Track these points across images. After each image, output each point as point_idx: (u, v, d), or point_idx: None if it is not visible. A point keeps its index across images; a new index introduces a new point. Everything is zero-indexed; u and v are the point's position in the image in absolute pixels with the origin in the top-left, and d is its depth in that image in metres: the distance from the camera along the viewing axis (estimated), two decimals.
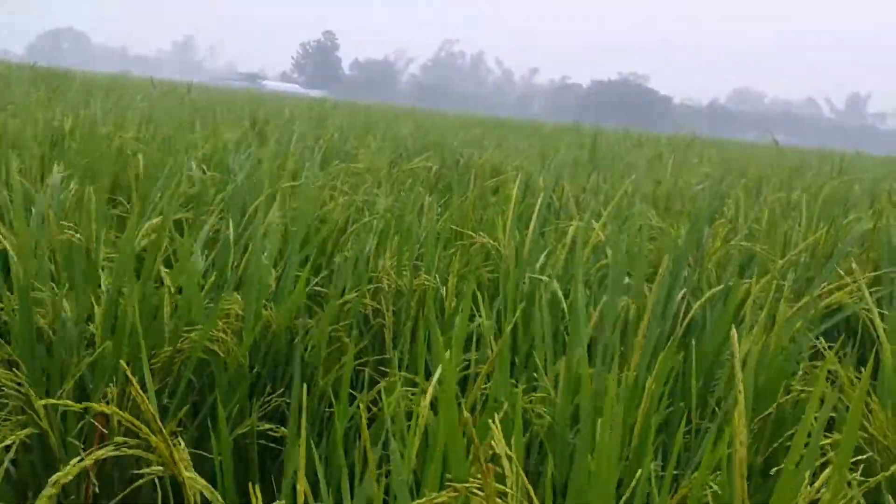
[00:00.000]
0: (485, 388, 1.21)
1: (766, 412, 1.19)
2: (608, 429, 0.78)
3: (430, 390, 0.92)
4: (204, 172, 2.43)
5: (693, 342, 1.42)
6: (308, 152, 3.13)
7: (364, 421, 0.97)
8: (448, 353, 0.91)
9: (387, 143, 4.72)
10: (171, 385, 1.41)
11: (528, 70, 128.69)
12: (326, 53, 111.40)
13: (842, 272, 1.42)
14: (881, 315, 1.22)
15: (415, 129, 5.59)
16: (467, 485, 0.79)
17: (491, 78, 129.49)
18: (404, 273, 1.74)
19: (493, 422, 0.84)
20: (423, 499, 0.82)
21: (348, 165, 2.59)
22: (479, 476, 0.78)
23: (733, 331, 0.99)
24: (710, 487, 0.99)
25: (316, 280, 1.78)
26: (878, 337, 1.19)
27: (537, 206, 2.01)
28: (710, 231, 2.02)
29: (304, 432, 0.87)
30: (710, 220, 2.48)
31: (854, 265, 1.36)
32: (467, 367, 1.46)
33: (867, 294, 1.18)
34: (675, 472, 1.18)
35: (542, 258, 1.91)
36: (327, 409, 1.54)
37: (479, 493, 0.79)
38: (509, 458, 0.82)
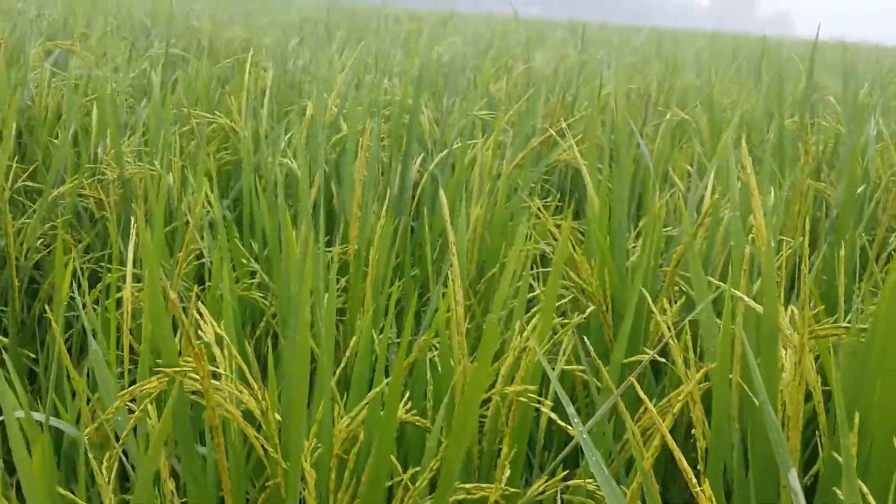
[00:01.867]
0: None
1: (490, 273, 1.24)
2: (306, 299, 0.76)
3: (129, 280, 0.86)
4: None
5: (425, 211, 1.44)
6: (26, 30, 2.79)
7: (91, 322, 0.90)
8: (152, 238, 0.85)
9: (122, 24, 4.33)
10: None
11: None
12: None
13: (550, 129, 1.48)
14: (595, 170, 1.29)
15: (153, 8, 5.16)
16: (178, 368, 0.75)
17: None
18: (127, 160, 1.62)
19: (201, 304, 0.80)
20: (133, 386, 0.77)
21: (59, 42, 2.33)
22: (191, 360, 0.75)
23: (441, 196, 1.00)
24: (436, 348, 1.02)
25: (24, 175, 1.61)
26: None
27: (269, 82, 1.93)
28: (450, 102, 2.04)
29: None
30: (455, 91, 2.50)
31: (564, 124, 1.43)
32: (200, 257, 1.39)
33: (576, 150, 1.24)
34: (411, 338, 1.21)
35: (284, 138, 1.85)
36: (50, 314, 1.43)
37: (195, 376, 0.75)
38: (220, 340, 0.79)
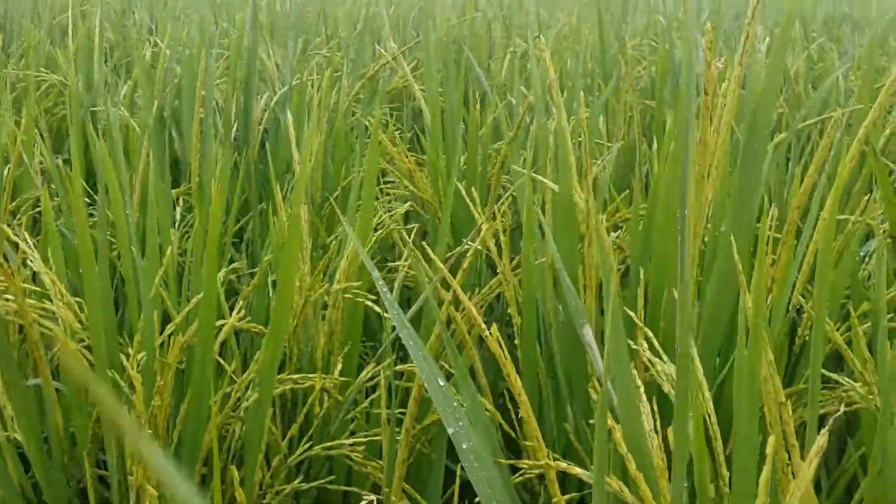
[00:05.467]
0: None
1: (334, 195, 1.27)
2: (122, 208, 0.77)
3: None
4: None
5: (268, 145, 1.44)
6: None
7: None
8: None
9: None
10: None
11: None
12: None
13: (383, 51, 1.51)
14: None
15: None
16: None
17: None
18: None
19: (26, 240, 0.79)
20: None
21: None
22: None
23: (292, 122, 1.01)
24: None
25: None
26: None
27: (97, 34, 1.86)
28: (296, 45, 2.02)
29: None
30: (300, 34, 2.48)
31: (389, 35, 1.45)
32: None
33: (403, 61, 1.27)
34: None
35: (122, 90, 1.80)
36: None
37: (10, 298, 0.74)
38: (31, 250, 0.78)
